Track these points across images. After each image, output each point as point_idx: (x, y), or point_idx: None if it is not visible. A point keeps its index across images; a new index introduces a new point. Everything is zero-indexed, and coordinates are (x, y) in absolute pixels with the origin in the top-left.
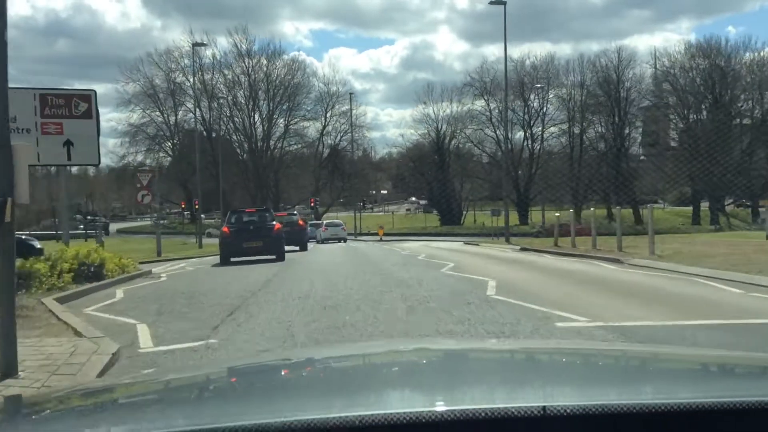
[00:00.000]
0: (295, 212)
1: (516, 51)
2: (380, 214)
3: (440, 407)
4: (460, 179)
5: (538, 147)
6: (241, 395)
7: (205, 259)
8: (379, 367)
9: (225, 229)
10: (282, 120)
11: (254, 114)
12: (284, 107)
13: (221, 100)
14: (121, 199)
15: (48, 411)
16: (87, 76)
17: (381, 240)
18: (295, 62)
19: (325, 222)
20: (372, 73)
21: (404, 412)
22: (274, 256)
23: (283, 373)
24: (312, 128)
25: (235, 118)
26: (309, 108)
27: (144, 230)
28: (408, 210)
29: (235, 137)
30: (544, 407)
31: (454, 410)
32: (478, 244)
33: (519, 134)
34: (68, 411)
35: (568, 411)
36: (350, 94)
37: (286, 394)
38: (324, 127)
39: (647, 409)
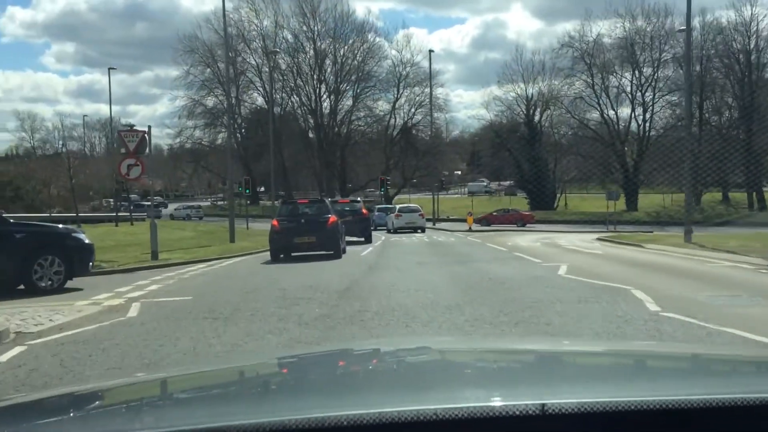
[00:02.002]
0: (359, 199)
1: (595, 28)
2: (455, 196)
3: (438, 405)
4: (554, 157)
5: (648, 120)
6: (243, 395)
7: (222, 263)
8: (378, 366)
9: (275, 222)
10: (350, 92)
11: (320, 86)
12: (353, 77)
13: (280, 57)
14: (187, 178)
15: (70, 412)
16: (162, 60)
17: (470, 230)
18: (366, 26)
19: (398, 207)
20: (442, 54)
21: (401, 411)
22: (331, 252)
23: (282, 371)
24: (382, 101)
25: (300, 90)
26: (380, 77)
27: (209, 212)
28: (487, 191)
29: (299, 112)
30: (543, 405)
31: (453, 408)
32: (641, 245)
33: (622, 107)
34: (86, 414)
35: (567, 409)
36: (429, 51)
37: (278, 394)
38: (396, 99)
39: (646, 406)
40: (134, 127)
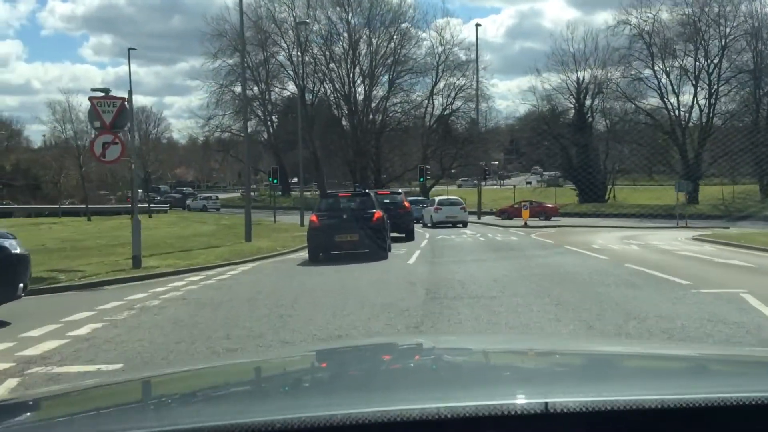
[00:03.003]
0: (400, 191)
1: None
2: (495, 187)
3: (440, 404)
4: (605, 146)
5: (713, 105)
6: (249, 394)
7: (223, 276)
8: (378, 364)
9: (313, 217)
10: (386, 76)
11: (354, 70)
12: (389, 61)
13: (313, 40)
14: (221, 168)
15: (61, 410)
16: (198, 52)
17: (526, 225)
18: (403, 6)
19: (437, 199)
20: (467, 54)
21: (403, 410)
22: (375, 252)
23: (284, 370)
24: (420, 86)
25: (333, 74)
26: (418, 60)
27: (238, 204)
28: (528, 183)
29: (332, 98)
30: (546, 403)
31: (454, 407)
32: None
33: (683, 92)
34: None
35: (571, 407)
36: (477, 25)
37: (278, 393)
38: (434, 84)
39: (649, 405)
40: (110, 93)
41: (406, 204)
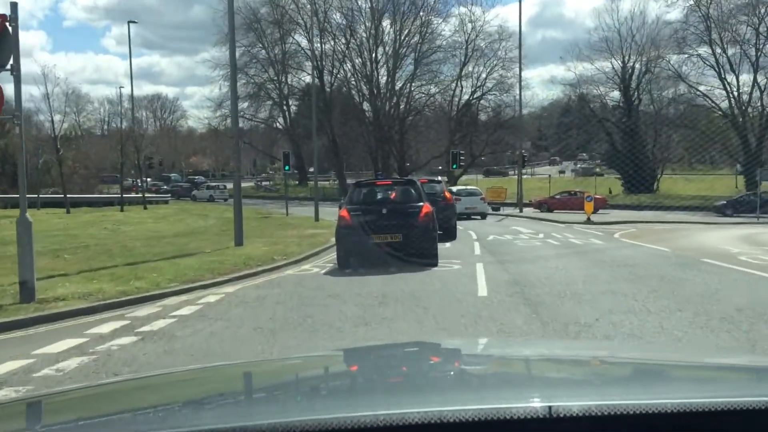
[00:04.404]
0: (439, 179)
1: None
2: (527, 177)
3: (443, 408)
4: (653, 132)
5: None
6: (245, 397)
7: (158, 322)
8: (384, 367)
9: (344, 213)
10: (411, 56)
11: (377, 49)
12: (414, 39)
13: (329, 3)
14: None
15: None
16: (220, 41)
17: (589, 221)
18: None
19: (455, 189)
20: (499, 32)
21: (405, 413)
22: (423, 260)
23: (289, 373)
24: (449, 65)
25: (353, 53)
26: (447, 39)
27: (252, 194)
28: (562, 172)
29: (353, 81)
30: (549, 407)
31: (458, 410)
32: None
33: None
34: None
35: (574, 412)
36: None
37: (275, 397)
38: (464, 64)
39: (651, 409)
40: None
41: (447, 195)
